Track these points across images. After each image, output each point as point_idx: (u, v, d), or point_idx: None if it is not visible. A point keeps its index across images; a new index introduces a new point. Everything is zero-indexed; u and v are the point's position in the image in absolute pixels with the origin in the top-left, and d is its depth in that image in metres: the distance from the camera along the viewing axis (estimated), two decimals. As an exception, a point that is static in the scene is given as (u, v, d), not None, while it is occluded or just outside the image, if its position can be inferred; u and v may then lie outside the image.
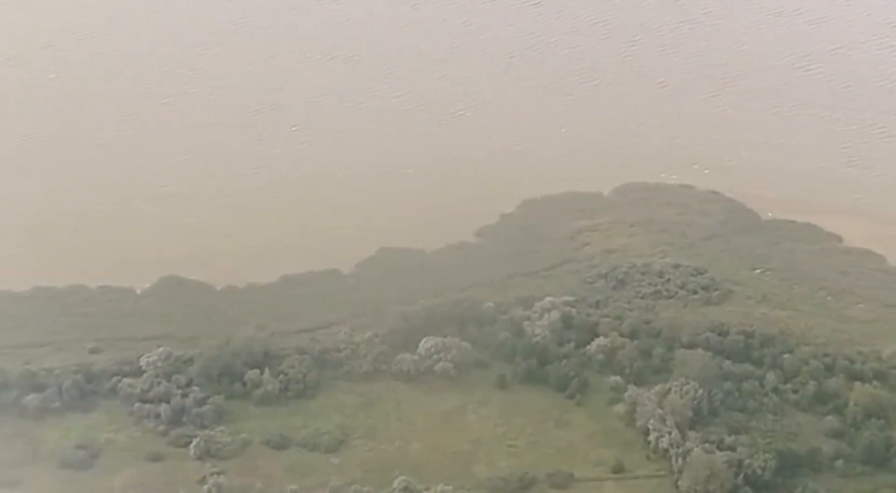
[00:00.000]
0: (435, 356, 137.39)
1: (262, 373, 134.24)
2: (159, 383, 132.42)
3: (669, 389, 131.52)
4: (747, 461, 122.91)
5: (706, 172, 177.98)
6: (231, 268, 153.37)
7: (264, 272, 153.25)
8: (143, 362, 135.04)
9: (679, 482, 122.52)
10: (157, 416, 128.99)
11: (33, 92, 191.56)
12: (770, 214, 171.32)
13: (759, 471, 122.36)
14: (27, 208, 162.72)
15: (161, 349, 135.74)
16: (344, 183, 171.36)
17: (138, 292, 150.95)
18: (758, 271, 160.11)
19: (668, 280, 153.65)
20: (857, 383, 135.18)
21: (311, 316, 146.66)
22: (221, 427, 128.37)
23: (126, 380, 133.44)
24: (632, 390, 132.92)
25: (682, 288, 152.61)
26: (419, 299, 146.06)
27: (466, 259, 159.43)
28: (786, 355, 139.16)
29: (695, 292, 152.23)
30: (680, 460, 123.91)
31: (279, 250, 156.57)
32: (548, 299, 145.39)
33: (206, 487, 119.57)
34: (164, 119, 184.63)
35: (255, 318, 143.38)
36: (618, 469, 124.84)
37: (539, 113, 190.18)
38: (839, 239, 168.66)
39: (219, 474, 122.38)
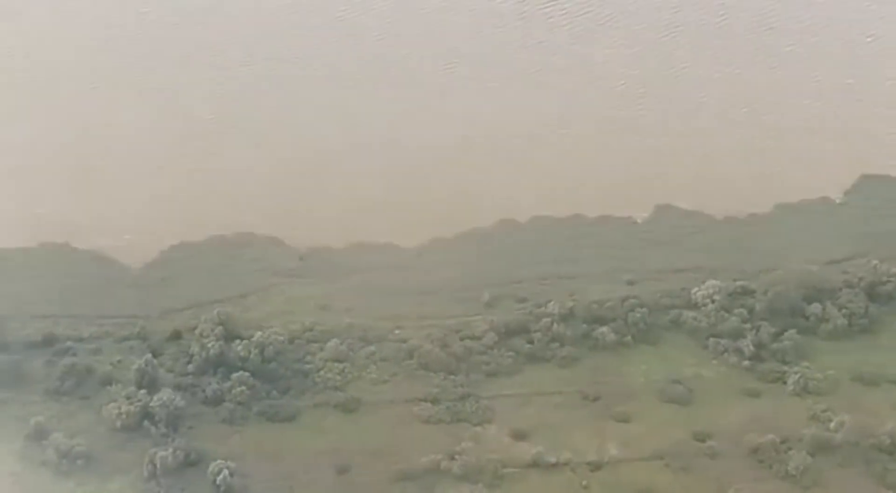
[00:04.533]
0: None
1: (823, 308, 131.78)
2: (724, 318, 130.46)
3: None
4: None
5: None
6: (726, 196, 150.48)
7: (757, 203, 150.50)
8: (695, 294, 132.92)
9: None
10: (738, 351, 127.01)
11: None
12: None
13: None
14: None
15: (712, 282, 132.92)
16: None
17: (638, 221, 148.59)
18: None
19: None
20: None
21: (818, 247, 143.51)
22: (805, 363, 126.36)
23: (687, 313, 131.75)
24: None
25: None
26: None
27: None
28: None
29: None
30: None
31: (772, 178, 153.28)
32: None
33: (832, 424, 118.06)
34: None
35: (784, 250, 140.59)
36: None
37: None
38: None
39: (824, 411, 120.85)
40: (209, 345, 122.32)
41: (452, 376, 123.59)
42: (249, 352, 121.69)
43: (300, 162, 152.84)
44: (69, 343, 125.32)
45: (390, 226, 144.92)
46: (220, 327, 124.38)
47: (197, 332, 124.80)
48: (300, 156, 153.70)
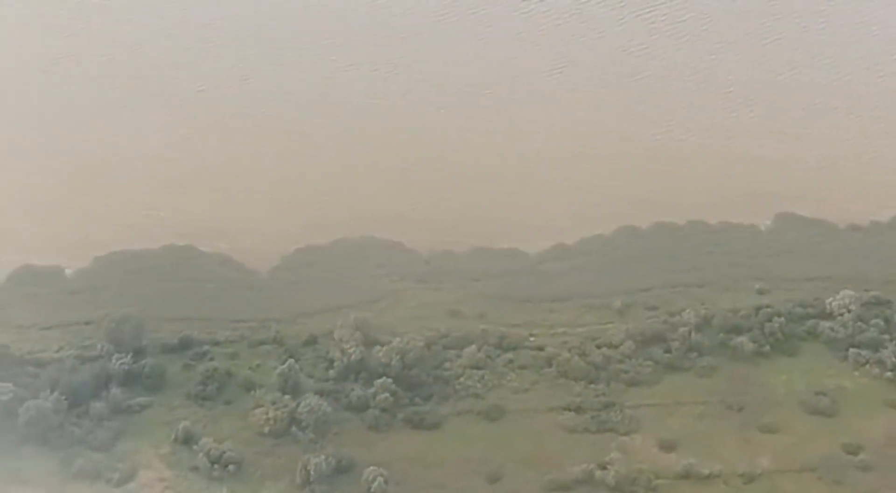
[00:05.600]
0: None
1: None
2: (861, 329, 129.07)
3: None
4: None
5: None
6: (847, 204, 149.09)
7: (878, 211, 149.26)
8: (830, 304, 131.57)
9: None
10: (880, 362, 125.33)
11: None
12: None
13: None
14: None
15: (847, 292, 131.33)
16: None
17: (762, 228, 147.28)
18: None
19: None
20: None
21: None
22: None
23: (823, 324, 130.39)
24: None
25: None
26: None
27: None
28: None
29: None
30: None
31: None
32: None
33: None
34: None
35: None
36: None
37: None
38: None
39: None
40: (350, 351, 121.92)
41: (593, 385, 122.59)
42: (391, 358, 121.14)
43: (418, 165, 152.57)
44: (206, 347, 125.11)
45: (512, 231, 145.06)
46: (359, 333, 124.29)
47: (336, 337, 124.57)
48: (418, 159, 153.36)
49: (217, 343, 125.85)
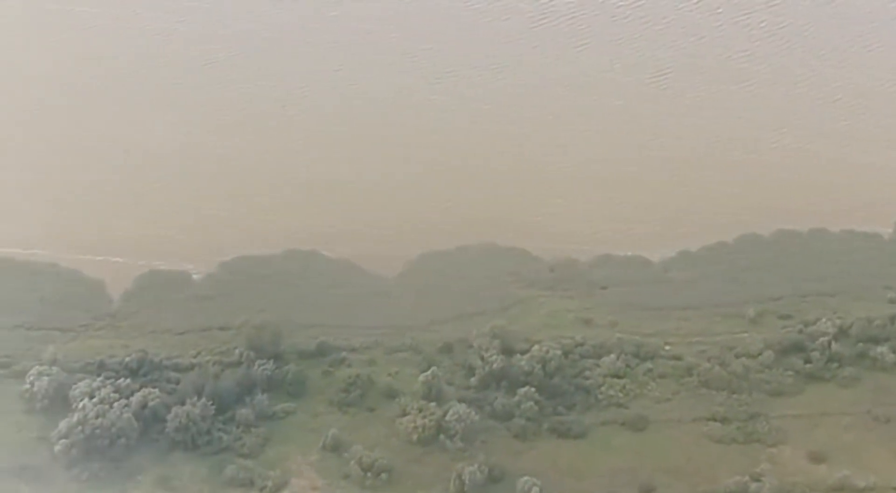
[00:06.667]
0: None
1: None
2: None
3: None
4: None
5: None
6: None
7: None
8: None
9: None
10: None
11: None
12: None
13: None
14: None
15: None
16: None
17: (885, 237, 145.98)
18: None
19: None
20: None
21: None
22: None
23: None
24: None
25: None
26: None
27: None
28: None
29: None
30: None
31: None
32: None
33: None
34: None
35: None
36: None
37: None
38: None
39: None
40: (491, 359, 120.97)
41: (735, 396, 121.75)
42: (533, 367, 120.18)
43: (536, 172, 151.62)
44: (343, 354, 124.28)
45: (635, 238, 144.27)
46: (497, 341, 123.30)
47: (475, 345, 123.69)
48: (535, 166, 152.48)
49: (353, 350, 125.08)
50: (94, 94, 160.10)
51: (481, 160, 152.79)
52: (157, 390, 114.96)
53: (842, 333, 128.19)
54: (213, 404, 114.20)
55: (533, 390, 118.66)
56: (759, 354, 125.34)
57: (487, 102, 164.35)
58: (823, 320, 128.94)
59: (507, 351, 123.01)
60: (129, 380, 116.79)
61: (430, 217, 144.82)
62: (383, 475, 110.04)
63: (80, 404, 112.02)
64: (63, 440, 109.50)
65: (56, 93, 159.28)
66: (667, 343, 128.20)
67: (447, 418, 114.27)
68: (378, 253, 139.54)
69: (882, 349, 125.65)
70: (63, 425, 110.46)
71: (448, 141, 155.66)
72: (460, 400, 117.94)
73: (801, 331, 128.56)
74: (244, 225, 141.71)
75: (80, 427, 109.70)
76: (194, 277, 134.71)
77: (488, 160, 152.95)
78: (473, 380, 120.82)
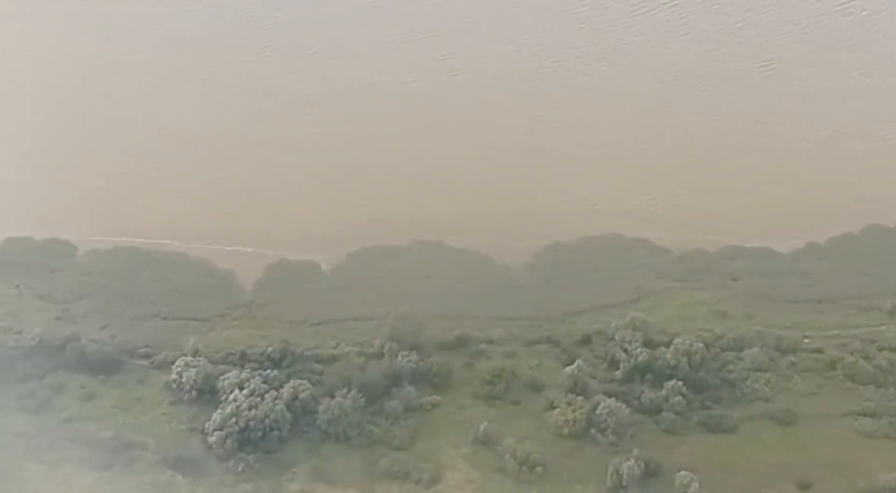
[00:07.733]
0: None
1: None
2: None
3: None
4: None
5: None
6: None
7: None
8: None
9: None
10: None
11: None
12: None
13: None
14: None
15: None
16: None
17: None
18: None
19: None
20: None
21: None
22: None
23: None
24: None
25: None
26: None
27: None
28: None
29: None
30: None
31: None
32: None
33: None
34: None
35: None
36: None
37: None
38: None
39: None
40: (635, 351, 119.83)
41: (882, 390, 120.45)
42: (678, 360, 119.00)
43: (664, 160, 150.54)
44: (482, 345, 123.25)
45: (760, 229, 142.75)
46: (639, 333, 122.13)
47: (617, 337, 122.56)
48: (662, 155, 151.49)
49: (492, 342, 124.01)
50: (217, 88, 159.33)
51: (603, 150, 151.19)
52: (305, 381, 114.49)
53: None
54: (361, 396, 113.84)
55: (680, 383, 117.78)
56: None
57: (598, 92, 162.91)
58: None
59: (648, 344, 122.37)
60: (275, 371, 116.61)
61: (554, 207, 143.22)
62: (538, 469, 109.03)
63: (232, 396, 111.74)
64: (217, 432, 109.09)
65: (178, 84, 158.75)
66: (805, 336, 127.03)
67: (598, 411, 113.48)
68: (502, 243, 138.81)
69: None
70: (217, 416, 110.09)
71: (570, 130, 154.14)
72: (606, 394, 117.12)
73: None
74: (369, 216, 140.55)
75: (233, 419, 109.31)
76: (323, 267, 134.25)
77: (610, 150, 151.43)
78: (618, 373, 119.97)
